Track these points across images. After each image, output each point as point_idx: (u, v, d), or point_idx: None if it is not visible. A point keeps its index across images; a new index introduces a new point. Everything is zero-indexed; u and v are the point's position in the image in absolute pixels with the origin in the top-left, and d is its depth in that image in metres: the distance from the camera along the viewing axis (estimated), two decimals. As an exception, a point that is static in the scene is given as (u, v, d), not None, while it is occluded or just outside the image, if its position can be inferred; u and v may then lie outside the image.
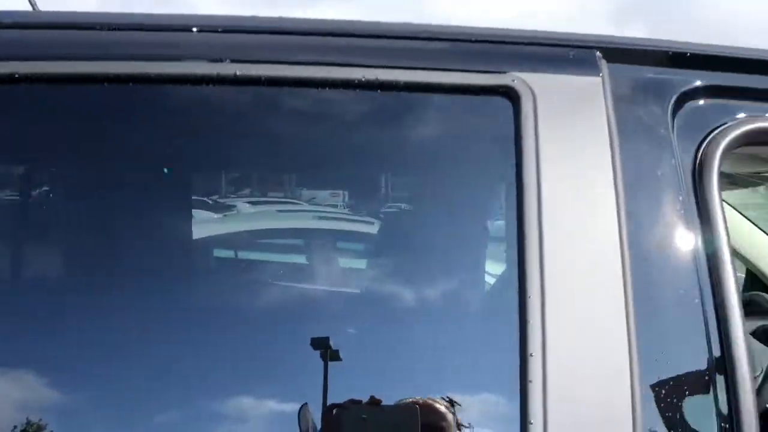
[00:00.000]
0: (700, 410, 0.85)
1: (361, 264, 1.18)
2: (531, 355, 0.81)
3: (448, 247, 0.98)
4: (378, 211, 1.06)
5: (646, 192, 0.91)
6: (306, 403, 0.85)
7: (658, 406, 0.83)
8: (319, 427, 0.84)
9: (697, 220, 0.91)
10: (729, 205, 2.58)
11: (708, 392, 0.85)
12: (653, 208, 0.91)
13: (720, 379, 0.85)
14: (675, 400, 0.84)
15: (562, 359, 0.81)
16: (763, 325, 2.18)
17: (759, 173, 1.78)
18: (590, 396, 0.81)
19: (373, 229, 1.12)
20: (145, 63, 0.90)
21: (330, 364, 0.86)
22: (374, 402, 0.84)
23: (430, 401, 0.84)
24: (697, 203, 0.92)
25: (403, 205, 1.03)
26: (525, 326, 0.82)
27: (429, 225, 1.01)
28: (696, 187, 0.92)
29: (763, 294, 2.27)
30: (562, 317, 0.82)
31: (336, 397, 0.85)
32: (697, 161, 0.94)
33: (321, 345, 0.87)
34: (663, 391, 0.83)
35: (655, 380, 0.83)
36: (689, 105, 0.96)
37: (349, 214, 1.30)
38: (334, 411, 0.85)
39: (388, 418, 0.83)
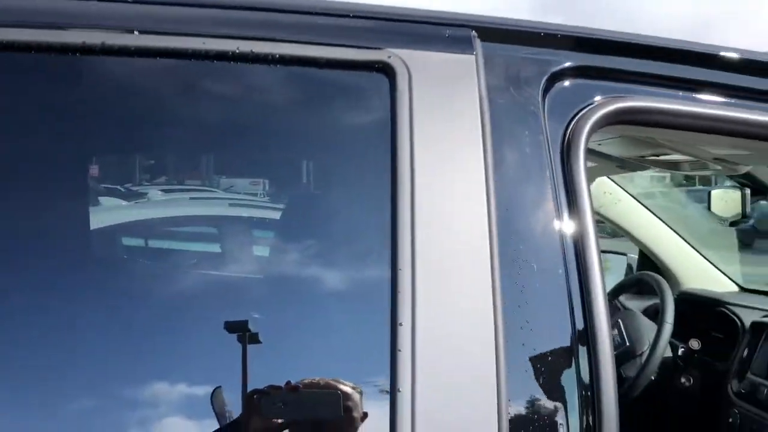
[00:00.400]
0: (563, 379, 0.88)
1: (257, 248, 1.17)
2: (401, 325, 0.82)
3: (326, 222, 0.99)
4: (255, 188, 1.05)
5: (515, 168, 0.94)
6: (219, 386, 0.84)
7: (523, 374, 0.86)
8: (235, 409, 0.84)
9: (564, 197, 0.95)
10: (624, 190, 2.70)
11: (571, 362, 0.89)
12: (522, 184, 0.94)
13: (583, 350, 0.89)
14: (539, 368, 0.87)
15: (430, 329, 0.83)
16: (654, 304, 2.30)
17: (643, 157, 1.87)
18: (457, 365, 0.83)
19: (261, 211, 1.11)
20: (38, 31, 0.85)
21: (249, 347, 0.86)
22: (292, 388, 0.83)
23: (333, 382, 0.85)
24: (565, 180, 0.95)
25: (280, 183, 1.03)
26: (395, 297, 0.84)
27: (307, 201, 1.01)
28: (564, 164, 0.96)
29: (652, 273, 2.39)
30: (431, 288, 0.84)
31: (257, 380, 0.85)
32: (566, 139, 0.97)
33: (238, 328, 0.87)
34: (528, 360, 0.86)
35: (520, 350, 0.86)
36: (559, 85, 1.00)
37: (253, 200, 1.28)
38: (255, 396, 0.84)
39: (310, 402, 0.84)
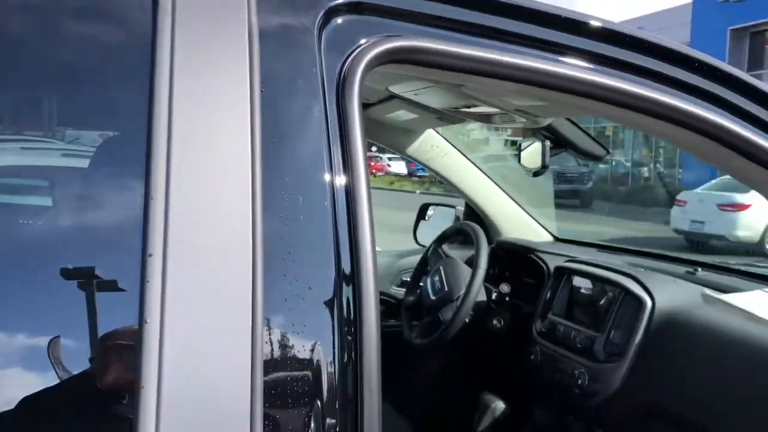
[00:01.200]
0: (324, 312, 0.89)
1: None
2: (150, 255, 0.80)
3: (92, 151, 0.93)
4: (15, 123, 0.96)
5: (284, 102, 0.93)
6: (58, 336, 0.80)
7: (283, 304, 0.86)
8: (79, 359, 0.81)
9: (336, 134, 0.94)
10: (455, 147, 2.80)
11: (333, 297, 0.89)
12: (292, 118, 0.93)
13: (347, 287, 0.90)
14: (300, 299, 0.87)
15: (183, 260, 0.81)
16: (473, 255, 2.41)
17: (457, 108, 1.94)
18: (209, 296, 0.82)
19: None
20: None
21: (99, 294, 0.82)
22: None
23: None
24: (339, 118, 0.95)
25: (33, 124, 0.95)
26: (147, 227, 0.81)
27: (61, 132, 0.95)
28: (338, 102, 0.96)
29: (471, 223, 2.51)
30: (185, 219, 0.82)
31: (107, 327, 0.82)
32: (341, 77, 0.97)
33: (85, 275, 0.82)
34: (288, 290, 0.87)
35: (281, 280, 0.86)
36: (336, 20, 0.99)
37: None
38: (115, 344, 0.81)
39: None
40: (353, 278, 0.91)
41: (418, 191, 20.35)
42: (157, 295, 0.79)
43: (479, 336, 2.41)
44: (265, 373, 0.83)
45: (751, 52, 20.75)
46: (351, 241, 0.92)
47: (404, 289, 2.70)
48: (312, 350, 0.87)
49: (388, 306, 2.86)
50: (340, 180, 0.94)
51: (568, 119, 2.19)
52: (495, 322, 2.38)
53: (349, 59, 0.98)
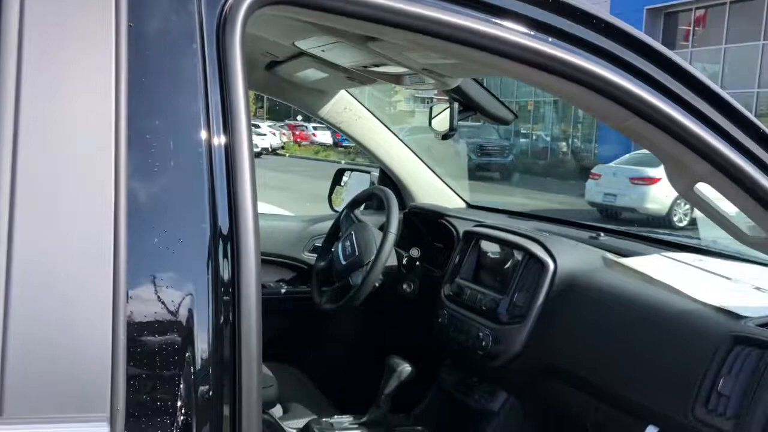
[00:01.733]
0: (198, 273, 0.83)
1: None
2: None
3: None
4: None
5: (156, 39, 0.85)
6: None
7: (147, 263, 0.80)
8: None
9: (216, 81, 0.87)
10: (370, 112, 2.75)
11: (209, 259, 0.84)
12: (162, 57, 0.86)
13: (225, 248, 0.85)
14: (170, 259, 0.81)
15: (32, 204, 0.73)
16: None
17: (366, 67, 1.88)
18: (63, 243, 0.74)
19: None
20: None
21: None
22: None
23: None
24: (219, 62, 0.88)
25: None
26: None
27: None
28: (219, 44, 0.89)
29: (383, 188, 2.48)
30: (35, 158, 0.74)
31: None
32: (222, 17, 0.90)
33: None
34: (156, 243, 0.80)
35: (149, 231, 0.80)
36: None
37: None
38: None
39: None
40: (231, 235, 0.85)
41: (343, 161, 20.25)
42: (1, 241, 0.72)
43: (389, 300, 2.39)
44: (129, 331, 0.77)
45: (665, 32, 21.54)
46: (230, 196, 0.86)
47: (316, 255, 2.65)
48: (182, 308, 0.82)
49: (300, 272, 2.81)
50: (218, 128, 0.87)
51: (477, 82, 2.17)
52: (405, 286, 2.37)
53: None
